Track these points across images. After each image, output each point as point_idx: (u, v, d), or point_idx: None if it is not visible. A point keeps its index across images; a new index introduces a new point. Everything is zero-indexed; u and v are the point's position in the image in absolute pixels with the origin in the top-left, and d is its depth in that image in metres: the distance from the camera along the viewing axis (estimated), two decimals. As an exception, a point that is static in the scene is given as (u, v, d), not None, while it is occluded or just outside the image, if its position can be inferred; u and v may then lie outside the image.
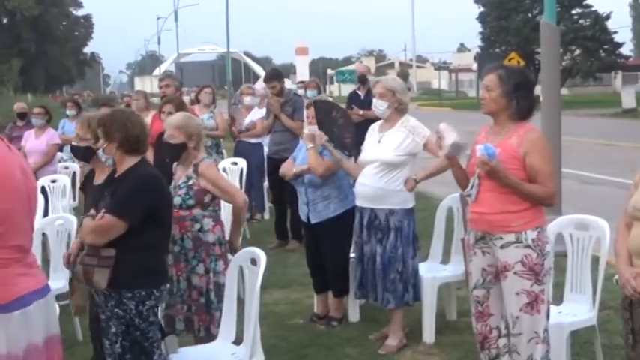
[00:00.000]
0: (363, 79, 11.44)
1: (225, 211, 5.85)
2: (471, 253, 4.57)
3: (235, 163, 10.09)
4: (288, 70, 69.30)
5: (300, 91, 13.31)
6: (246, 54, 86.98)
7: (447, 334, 6.02)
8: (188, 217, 5.09)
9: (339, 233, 6.21)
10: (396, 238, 5.68)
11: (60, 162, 11.12)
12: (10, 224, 2.94)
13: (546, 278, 4.40)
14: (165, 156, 5.30)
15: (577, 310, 5.07)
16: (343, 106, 7.49)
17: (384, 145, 5.69)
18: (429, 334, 5.91)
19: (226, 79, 39.32)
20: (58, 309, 3.35)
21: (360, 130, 9.20)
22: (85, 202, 4.62)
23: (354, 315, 6.48)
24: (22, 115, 11.79)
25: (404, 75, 65.59)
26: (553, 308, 4.79)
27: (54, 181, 9.38)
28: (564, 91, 42.53)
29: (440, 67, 78.47)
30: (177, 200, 4.99)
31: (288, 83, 13.42)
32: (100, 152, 4.37)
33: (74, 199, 10.50)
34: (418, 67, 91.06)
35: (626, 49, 60.35)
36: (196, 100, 11.29)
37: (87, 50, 77.74)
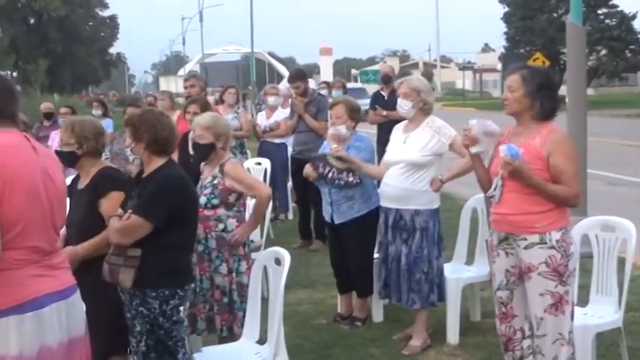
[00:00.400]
0: (386, 80, 11.41)
1: (250, 212, 5.87)
2: (494, 255, 4.55)
3: (259, 163, 10.10)
4: (312, 70, 69.37)
5: (324, 91, 13.32)
6: (271, 54, 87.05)
7: (470, 336, 6.00)
8: (212, 217, 5.11)
9: (363, 233, 6.21)
10: (421, 239, 5.67)
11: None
12: (24, 225, 2.95)
13: (570, 279, 4.37)
14: (192, 156, 5.32)
15: (603, 312, 5.03)
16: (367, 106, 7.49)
17: (409, 145, 5.68)
18: (452, 335, 5.89)
19: (250, 79, 39.36)
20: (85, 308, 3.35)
21: (384, 130, 9.23)
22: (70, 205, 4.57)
23: (377, 315, 6.47)
24: (49, 115, 11.89)
25: (428, 75, 65.46)
26: (579, 310, 4.76)
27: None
28: (590, 91, 42.17)
29: (464, 67, 78.10)
30: (202, 199, 5.01)
31: (312, 83, 13.41)
32: (127, 150, 4.39)
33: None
34: (442, 67, 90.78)
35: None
36: (220, 101, 11.32)
37: (112, 51, 78.19)
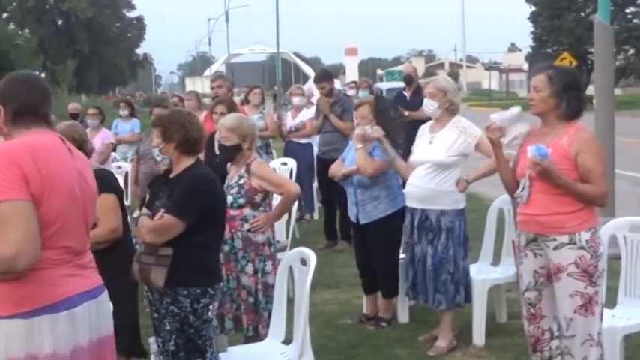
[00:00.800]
0: (408, 80, 11.39)
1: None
2: (522, 255, 4.53)
3: (285, 164, 10.12)
4: (338, 70, 69.33)
5: (351, 92, 13.32)
6: (296, 54, 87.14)
7: (497, 337, 5.97)
8: (238, 217, 5.14)
9: (389, 234, 6.21)
10: (447, 239, 5.65)
11: (113, 162, 11.28)
12: (59, 225, 2.98)
13: (600, 280, 4.35)
14: (219, 157, 5.34)
15: (631, 313, 4.98)
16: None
17: (435, 145, 5.66)
18: (479, 336, 5.87)
19: (276, 79, 39.45)
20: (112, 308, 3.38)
21: (407, 131, 9.16)
22: None
23: (403, 316, 6.46)
24: (75, 116, 12.00)
25: (454, 75, 65.24)
26: (606, 312, 4.72)
27: (107, 181, 9.50)
28: (617, 91, 41.83)
29: (490, 67, 77.83)
30: (228, 199, 5.03)
31: (337, 84, 13.42)
32: (155, 151, 4.42)
33: (126, 199, 10.65)
34: (468, 67, 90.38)
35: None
36: (246, 101, 11.35)
37: (139, 51, 78.67)
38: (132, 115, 12.20)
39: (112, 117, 13.79)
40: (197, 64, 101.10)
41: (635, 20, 48.68)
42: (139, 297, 6.65)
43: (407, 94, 11.27)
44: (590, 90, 8.03)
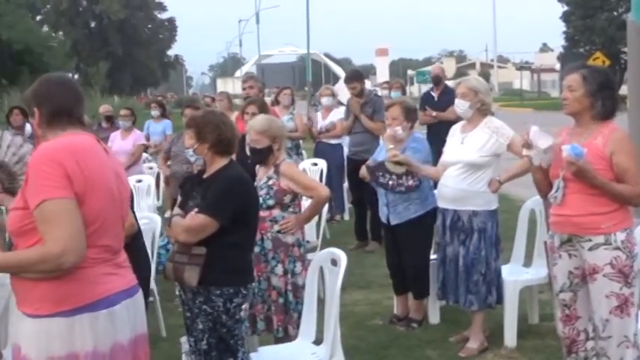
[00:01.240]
0: (436, 81, 11.36)
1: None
2: (556, 257, 4.49)
3: (315, 164, 10.14)
4: (368, 71, 69.27)
5: (384, 92, 13.31)
6: (327, 55, 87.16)
7: (528, 339, 5.93)
8: (268, 218, 5.14)
9: (419, 234, 6.19)
10: (479, 240, 5.62)
11: (144, 162, 11.37)
12: (100, 224, 3.01)
13: (635, 281, 4.31)
14: (251, 159, 5.35)
15: (665, 315, 4.92)
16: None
17: (467, 145, 5.64)
18: (510, 337, 5.83)
19: (306, 80, 39.49)
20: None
21: (434, 131, 9.16)
22: None
23: (434, 317, 6.44)
24: (109, 118, 12.09)
25: (485, 75, 64.84)
26: (640, 313, 4.68)
27: (139, 181, 9.59)
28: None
29: (522, 67, 77.26)
30: (257, 200, 5.04)
31: (368, 84, 13.40)
32: (189, 151, 4.45)
33: (158, 199, 10.74)
34: (499, 67, 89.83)
35: None
36: (276, 102, 11.37)
37: (171, 53, 79.28)
38: (163, 115, 12.27)
39: (144, 118, 13.89)
40: (228, 66, 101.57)
41: (669, 19, 48.07)
42: (168, 296, 6.74)
43: (435, 94, 11.24)
44: (623, 90, 7.94)
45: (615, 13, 48.36)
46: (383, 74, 54.43)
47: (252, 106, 6.87)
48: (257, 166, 5.38)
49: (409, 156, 6.05)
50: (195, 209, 4.19)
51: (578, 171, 4.18)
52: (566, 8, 51.58)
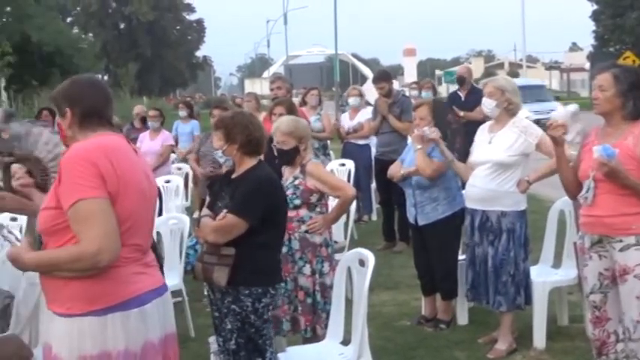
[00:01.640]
0: (461, 81, 11.33)
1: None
2: (586, 258, 4.46)
3: (343, 165, 10.14)
4: (396, 71, 69.14)
5: (414, 92, 13.28)
6: (354, 55, 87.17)
7: (558, 340, 5.89)
8: (295, 218, 5.15)
9: (447, 235, 6.17)
10: (508, 241, 5.59)
11: (173, 163, 11.42)
12: (131, 223, 3.04)
13: (666, 282, 4.26)
14: (278, 160, 5.36)
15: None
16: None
17: (495, 145, 5.60)
18: (539, 339, 5.79)
19: (334, 80, 39.46)
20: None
21: (463, 134, 9.07)
22: None
23: (462, 318, 6.41)
24: (144, 119, 12.13)
25: (514, 75, 64.33)
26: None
27: (167, 182, 9.64)
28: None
29: (551, 66, 76.68)
30: (284, 200, 5.05)
31: (395, 85, 13.37)
32: (218, 152, 4.46)
33: (186, 199, 10.79)
34: (528, 67, 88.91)
35: None
36: (303, 102, 11.38)
37: (199, 54, 79.60)
38: (191, 116, 12.32)
39: (173, 119, 13.97)
40: (256, 66, 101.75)
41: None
42: (196, 297, 6.77)
43: (462, 94, 11.21)
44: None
45: (646, 12, 47.87)
46: (411, 74, 54.34)
47: (280, 107, 6.88)
48: (283, 166, 5.38)
49: (436, 157, 6.04)
50: (225, 210, 4.21)
51: (610, 172, 4.15)
52: (595, 7, 51.16)
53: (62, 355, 2.99)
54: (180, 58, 72.48)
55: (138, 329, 3.04)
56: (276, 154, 5.34)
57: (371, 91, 11.27)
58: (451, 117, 6.29)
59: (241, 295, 4.18)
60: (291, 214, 5.08)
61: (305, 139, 5.25)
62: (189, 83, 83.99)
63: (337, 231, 6.82)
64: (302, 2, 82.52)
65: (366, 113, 10.66)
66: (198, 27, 77.79)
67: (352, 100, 10.98)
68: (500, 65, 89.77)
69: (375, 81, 9.75)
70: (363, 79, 59.89)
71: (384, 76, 9.86)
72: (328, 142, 10.97)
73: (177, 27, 74.99)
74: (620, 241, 4.26)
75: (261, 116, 8.58)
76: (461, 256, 6.23)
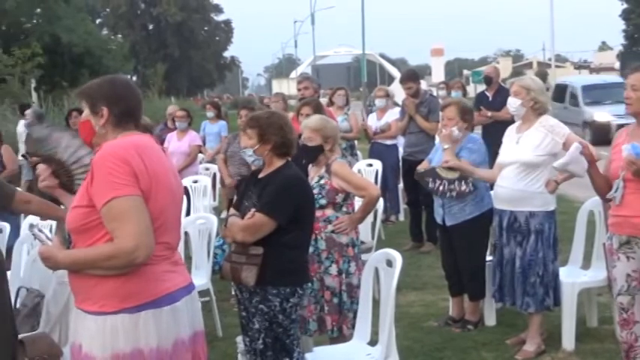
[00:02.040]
0: (487, 81, 11.29)
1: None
2: (614, 259, 4.42)
3: (370, 165, 10.13)
4: (424, 71, 68.91)
5: (441, 92, 13.24)
6: (382, 55, 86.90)
7: (587, 342, 5.84)
8: (321, 219, 5.15)
9: (475, 235, 6.14)
10: (536, 241, 5.55)
11: (201, 163, 11.47)
12: (162, 221, 3.07)
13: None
14: (303, 158, 5.38)
15: None
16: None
17: (522, 145, 5.56)
18: (568, 340, 5.75)
19: (361, 80, 39.45)
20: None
21: (489, 132, 9.05)
22: None
23: (490, 319, 6.38)
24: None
25: (542, 75, 63.98)
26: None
27: (195, 182, 9.69)
28: None
29: (580, 66, 75.95)
30: (309, 200, 5.05)
31: (423, 85, 13.35)
32: (248, 152, 4.47)
33: (214, 199, 10.84)
34: (557, 66, 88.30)
35: None
36: (330, 103, 11.39)
37: (227, 54, 79.98)
38: (218, 117, 12.35)
39: (201, 119, 14.03)
40: (283, 66, 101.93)
41: None
42: (223, 296, 6.80)
43: (489, 94, 11.17)
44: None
45: (677, 11, 47.36)
46: (438, 74, 54.12)
47: (307, 107, 6.88)
48: (310, 166, 5.39)
49: (464, 157, 6.01)
50: (252, 209, 4.22)
51: (638, 171, 4.11)
52: (625, 6, 50.65)
53: (94, 353, 3.02)
54: (208, 58, 72.87)
55: (169, 327, 3.06)
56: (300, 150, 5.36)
57: (399, 91, 11.26)
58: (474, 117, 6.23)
59: (269, 295, 4.19)
60: (317, 213, 5.08)
61: (331, 140, 5.25)
62: (217, 84, 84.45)
63: (364, 231, 6.81)
64: (329, 2, 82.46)
65: (393, 113, 10.65)
66: (226, 27, 78.18)
67: (378, 102, 10.97)
68: (529, 65, 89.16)
69: (403, 81, 9.74)
70: (391, 79, 59.78)
71: (412, 76, 9.84)
72: (355, 142, 10.97)
73: (205, 28, 75.43)
74: (649, 242, 4.22)
75: (289, 116, 8.59)
76: (489, 257, 6.20)
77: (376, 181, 9.64)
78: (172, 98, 47.98)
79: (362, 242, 5.91)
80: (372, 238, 7.16)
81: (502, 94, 10.02)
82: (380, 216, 7.44)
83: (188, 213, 8.27)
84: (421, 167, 6.47)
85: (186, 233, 6.45)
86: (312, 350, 4.78)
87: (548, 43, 52.33)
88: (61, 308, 4.41)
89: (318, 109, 6.82)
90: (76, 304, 3.14)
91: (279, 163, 4.39)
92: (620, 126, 5.53)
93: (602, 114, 20.43)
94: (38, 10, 35.37)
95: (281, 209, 4.19)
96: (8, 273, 4.96)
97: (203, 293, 5.95)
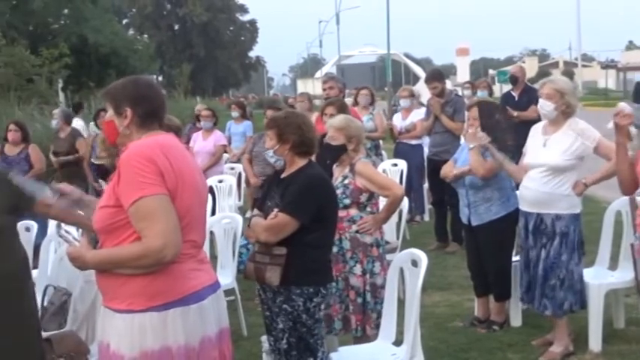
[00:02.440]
0: (513, 81, 11.22)
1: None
2: (642, 259, 4.38)
3: (395, 165, 10.12)
4: (449, 70, 68.68)
5: (467, 92, 13.19)
6: (407, 55, 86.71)
7: (614, 343, 5.79)
8: (345, 218, 5.15)
9: (501, 236, 6.11)
10: (560, 244, 5.50)
11: (226, 163, 11.51)
12: (189, 220, 3.09)
13: None
14: (325, 157, 5.38)
15: None
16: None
17: (550, 148, 5.51)
18: (595, 342, 5.70)
19: (386, 80, 39.37)
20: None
21: (515, 131, 8.94)
22: None
23: (515, 320, 6.35)
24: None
25: (568, 74, 63.58)
26: None
27: (220, 181, 9.73)
28: None
29: (607, 65, 75.38)
30: (333, 200, 5.05)
31: (448, 84, 13.31)
32: (269, 153, 4.48)
33: (239, 199, 10.87)
34: (584, 66, 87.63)
35: None
36: (355, 102, 11.38)
37: (252, 54, 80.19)
38: (243, 116, 12.39)
39: (226, 119, 14.08)
40: (308, 66, 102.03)
41: None
42: (248, 295, 6.81)
43: (515, 94, 11.10)
44: None
45: None
46: (463, 74, 53.89)
47: (331, 107, 6.89)
48: (334, 166, 5.39)
49: (489, 157, 5.98)
50: (275, 209, 4.23)
51: None
52: (654, 4, 50.20)
53: (123, 350, 3.04)
54: (234, 58, 73.12)
55: (196, 324, 3.09)
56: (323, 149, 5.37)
57: (424, 91, 11.23)
58: (500, 116, 6.18)
59: (293, 295, 4.20)
60: (341, 213, 5.09)
61: (355, 140, 5.25)
62: (242, 83, 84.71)
63: (389, 231, 6.81)
64: (354, 2, 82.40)
65: (418, 113, 10.64)
66: (251, 27, 78.38)
67: (403, 102, 10.96)
68: (555, 64, 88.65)
69: (428, 81, 9.71)
70: (416, 78, 59.66)
71: (437, 75, 9.81)
72: (380, 142, 10.96)
73: (231, 28, 75.68)
74: (675, 243, 4.18)
75: (314, 116, 8.60)
76: (515, 257, 6.16)
77: (401, 181, 9.63)
78: (198, 98, 48.18)
79: (387, 242, 5.90)
80: (397, 238, 7.16)
81: (528, 94, 9.96)
82: (405, 216, 7.42)
83: (213, 212, 8.30)
84: (446, 167, 6.44)
85: (211, 233, 6.47)
86: (337, 350, 4.78)
87: (575, 42, 51.83)
88: (88, 306, 4.45)
89: (342, 108, 6.82)
90: (104, 302, 3.17)
91: (301, 162, 4.39)
92: None
93: None
94: (65, 10, 35.72)
95: (304, 209, 4.19)
96: (36, 271, 5.02)
97: (228, 292, 5.96)
